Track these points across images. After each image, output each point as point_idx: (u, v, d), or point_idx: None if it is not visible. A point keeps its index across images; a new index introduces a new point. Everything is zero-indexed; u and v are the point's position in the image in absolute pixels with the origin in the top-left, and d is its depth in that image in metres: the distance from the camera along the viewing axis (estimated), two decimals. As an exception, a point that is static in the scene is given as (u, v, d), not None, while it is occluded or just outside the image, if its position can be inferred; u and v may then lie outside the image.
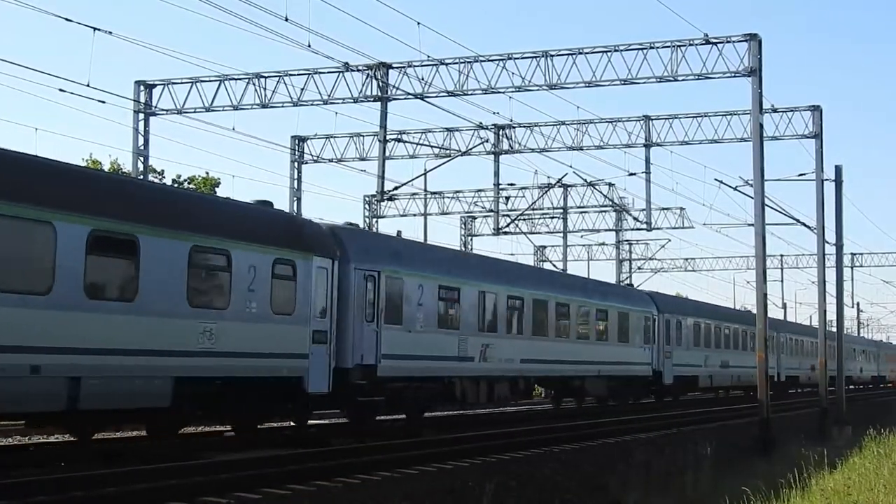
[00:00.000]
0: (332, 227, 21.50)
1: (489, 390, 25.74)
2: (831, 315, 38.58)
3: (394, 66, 30.16)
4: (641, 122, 37.37)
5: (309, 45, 24.00)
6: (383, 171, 34.19)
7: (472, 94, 29.87)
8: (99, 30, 23.59)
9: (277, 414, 20.75)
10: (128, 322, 15.08)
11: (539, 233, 50.89)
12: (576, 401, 34.70)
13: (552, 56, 29.06)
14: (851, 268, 67.38)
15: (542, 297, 28.46)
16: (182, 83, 31.44)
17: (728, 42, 26.85)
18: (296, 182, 37.38)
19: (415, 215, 44.88)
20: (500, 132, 38.38)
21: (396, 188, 35.62)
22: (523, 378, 27.83)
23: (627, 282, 57.57)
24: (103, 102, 24.82)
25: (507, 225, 45.37)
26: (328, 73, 30.49)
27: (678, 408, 35.31)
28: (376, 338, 20.94)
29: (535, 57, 29.19)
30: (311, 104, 31.34)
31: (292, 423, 21.84)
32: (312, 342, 18.95)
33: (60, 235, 13.96)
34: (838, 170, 33.22)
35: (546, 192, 44.61)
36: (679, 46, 27.52)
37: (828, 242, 33.92)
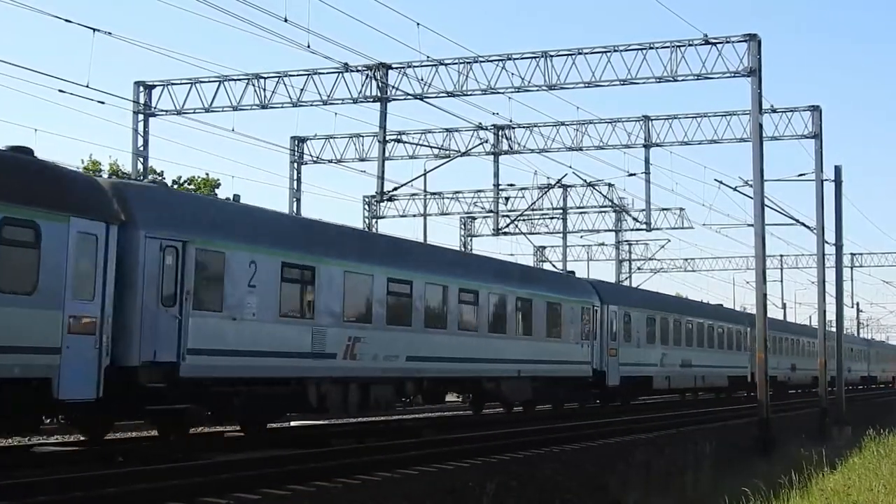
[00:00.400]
0: (116, 183, 17.53)
1: (362, 395, 21.10)
2: (831, 315, 38.52)
3: (393, 66, 30.19)
4: (641, 122, 37.41)
5: (308, 46, 24.04)
6: (383, 172, 34.21)
7: (471, 95, 29.93)
8: (98, 30, 23.60)
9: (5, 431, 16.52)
10: None
11: (539, 233, 50.97)
12: (504, 406, 30.25)
13: (552, 56, 29.08)
14: (851, 268, 67.45)
15: (438, 282, 23.70)
16: (181, 84, 31.46)
17: (727, 42, 26.88)
18: (295, 183, 37.39)
19: (414, 216, 44.94)
20: (500, 132, 38.40)
21: (396, 189, 35.63)
22: (412, 380, 23.09)
23: (627, 282, 57.65)
24: (103, 103, 24.74)
25: (507, 225, 45.40)
26: (328, 73, 30.54)
27: (630, 412, 31.25)
28: (179, 327, 16.41)
29: (535, 57, 29.22)
30: (311, 105, 31.40)
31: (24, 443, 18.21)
32: (68, 332, 14.40)
33: None
34: (838, 170, 33.25)
35: (546, 192, 44.63)
36: (678, 47, 27.55)
37: (827, 242, 33.96)
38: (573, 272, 36.47)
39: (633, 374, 33.96)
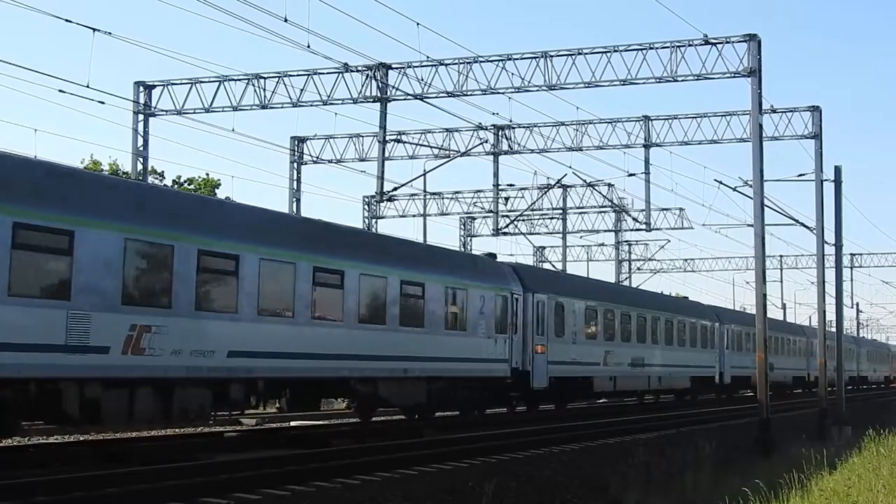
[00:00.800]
0: None
1: (161, 400, 16.41)
2: (831, 315, 38.50)
3: (393, 66, 30.18)
4: (641, 122, 37.40)
5: (308, 46, 23.99)
6: (382, 172, 34.20)
7: (471, 95, 29.89)
8: (98, 30, 23.56)
9: None
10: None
11: (538, 233, 50.95)
12: (404, 413, 25.78)
13: (551, 56, 29.07)
14: (851, 268, 67.45)
15: (280, 259, 18.83)
16: (181, 84, 31.46)
17: (727, 42, 26.86)
18: (295, 183, 37.38)
19: (414, 216, 44.92)
20: (500, 133, 38.40)
21: (396, 189, 35.63)
22: (238, 381, 18.01)
23: (626, 282, 57.61)
24: (103, 103, 24.68)
25: (507, 225, 45.38)
26: (327, 73, 30.52)
27: (560, 420, 27.54)
28: None
29: (535, 57, 29.21)
30: (311, 105, 31.37)
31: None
32: None
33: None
34: (838, 170, 33.23)
35: (545, 192, 44.62)
36: (678, 47, 27.54)
37: (827, 243, 33.93)
38: (494, 255, 30.58)
39: (566, 374, 29.33)
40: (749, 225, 33.57)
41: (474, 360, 25.26)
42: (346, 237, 22.84)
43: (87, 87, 23.43)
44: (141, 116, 31.39)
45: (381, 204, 43.37)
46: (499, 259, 29.97)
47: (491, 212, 45.00)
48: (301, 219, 25.98)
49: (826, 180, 32.86)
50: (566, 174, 40.14)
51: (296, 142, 37.99)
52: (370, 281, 21.35)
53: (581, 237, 53.12)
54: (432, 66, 29.66)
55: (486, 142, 38.49)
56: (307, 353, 19.43)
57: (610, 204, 46.99)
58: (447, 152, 38.58)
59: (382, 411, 25.83)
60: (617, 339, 33.45)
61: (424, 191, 39.89)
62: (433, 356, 23.43)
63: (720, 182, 37.55)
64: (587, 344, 31.15)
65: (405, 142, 38.31)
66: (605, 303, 33.12)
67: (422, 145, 38.73)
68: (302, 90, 30.90)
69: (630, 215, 48.49)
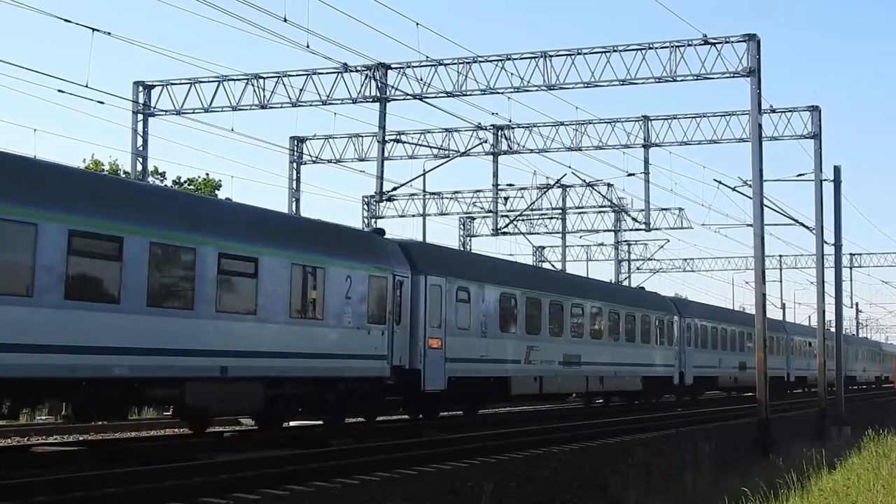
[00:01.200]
0: None
1: None
2: (830, 315, 38.48)
3: (392, 66, 30.19)
4: (640, 122, 37.41)
5: (308, 46, 24.00)
6: (382, 172, 34.19)
7: (470, 95, 29.90)
8: (97, 30, 23.56)
9: None
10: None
11: (538, 233, 50.96)
12: (256, 421, 21.04)
13: (551, 56, 29.08)
14: (850, 268, 67.44)
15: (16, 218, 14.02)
16: (181, 84, 31.46)
17: (727, 42, 26.87)
18: (294, 183, 37.39)
19: (413, 216, 44.94)
20: (499, 133, 38.40)
21: (395, 189, 35.61)
22: None
23: (626, 282, 57.54)
24: (102, 103, 24.68)
25: (506, 225, 45.38)
26: (327, 73, 30.53)
27: (461, 429, 22.48)
28: None
29: (534, 57, 29.21)
30: (310, 105, 31.39)
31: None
32: None
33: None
34: (837, 170, 33.26)
35: (545, 192, 44.62)
36: (678, 47, 27.55)
37: (827, 243, 33.96)
38: (382, 230, 25.50)
39: (472, 373, 24.85)
40: (748, 225, 33.57)
41: (337, 355, 20.32)
42: (135, 193, 17.97)
43: (87, 87, 23.43)
44: (140, 116, 31.39)
45: (381, 204, 43.37)
46: (383, 233, 24.76)
47: (490, 212, 45.00)
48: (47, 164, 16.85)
49: (825, 180, 32.90)
50: (565, 174, 40.10)
51: (295, 142, 37.99)
52: (169, 252, 16.66)
53: (580, 237, 53.19)
54: (432, 66, 29.68)
55: (486, 142, 38.51)
56: (51, 346, 14.38)
57: (609, 204, 47.00)
58: (446, 152, 38.58)
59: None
60: (544, 332, 28.33)
61: (424, 191, 39.95)
62: (272, 351, 18.64)
63: (719, 182, 37.53)
64: (503, 338, 26.14)
65: (404, 142, 38.33)
66: (528, 289, 27.80)
67: (421, 145, 38.76)
68: (301, 90, 30.94)
69: (629, 215, 48.52)
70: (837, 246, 34.79)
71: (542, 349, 27.87)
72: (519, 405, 33.00)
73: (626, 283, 57.09)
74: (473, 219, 50.39)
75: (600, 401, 37.08)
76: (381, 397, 22.44)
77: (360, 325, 20.90)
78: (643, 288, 45.06)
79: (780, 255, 68.35)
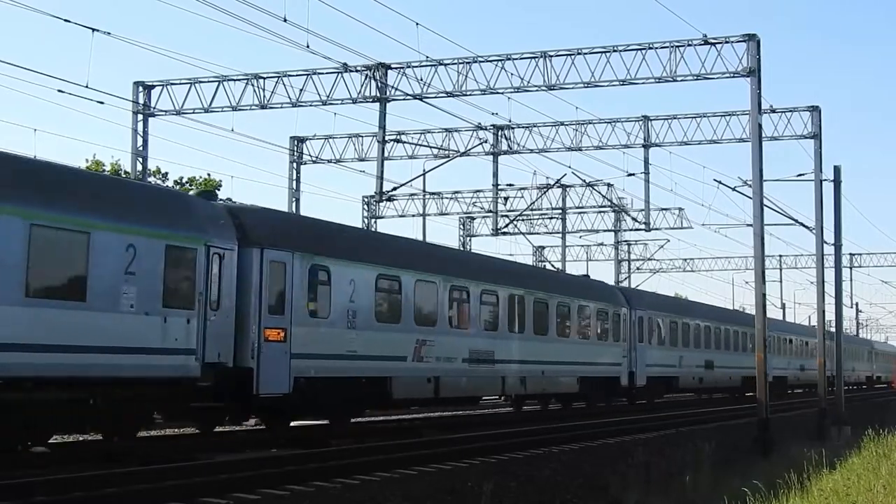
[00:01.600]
0: None
1: None
2: (830, 315, 38.45)
3: (392, 66, 30.19)
4: (640, 122, 37.41)
5: (308, 46, 24.00)
6: (382, 172, 34.20)
7: (470, 95, 29.91)
8: (97, 30, 23.57)
9: None
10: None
11: (538, 233, 50.96)
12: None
13: (551, 56, 29.08)
14: (850, 268, 67.47)
15: None
16: (181, 84, 31.46)
17: (727, 42, 26.88)
18: (294, 183, 37.40)
19: (413, 216, 44.95)
20: (499, 133, 38.40)
21: (395, 189, 35.63)
22: None
23: (626, 282, 57.53)
24: (102, 103, 24.67)
25: (506, 225, 45.39)
26: (327, 73, 30.53)
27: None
28: None
29: (534, 57, 29.22)
30: (310, 105, 31.39)
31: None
32: None
33: None
34: (837, 170, 33.26)
35: (545, 192, 44.62)
36: (678, 47, 27.55)
37: (826, 243, 33.97)
38: (213, 193, 22.24)
39: (333, 373, 20.03)
40: (748, 225, 33.58)
41: (115, 349, 15.30)
42: None
43: (87, 87, 23.43)
44: (140, 116, 31.39)
45: (381, 204, 43.37)
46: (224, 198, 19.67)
47: (490, 212, 45.00)
48: None
49: (825, 180, 32.91)
50: (565, 174, 40.03)
51: (295, 142, 38.00)
52: None
53: (580, 237, 53.20)
54: (431, 66, 29.68)
55: (486, 142, 38.52)
56: None
57: (609, 204, 47.00)
58: (446, 152, 38.59)
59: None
60: (442, 323, 23.68)
61: (424, 191, 39.97)
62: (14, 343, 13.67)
63: (719, 182, 37.49)
64: (380, 330, 21.43)
65: (404, 142, 38.34)
66: (418, 272, 22.98)
67: (421, 145, 38.77)
68: (301, 90, 30.95)
69: (629, 215, 48.52)
70: (837, 246, 34.79)
71: (438, 344, 23.18)
72: (408, 412, 28.03)
73: (626, 283, 57.05)
74: (473, 219, 50.40)
75: (534, 403, 33.11)
76: (184, 403, 17.40)
77: (149, 309, 15.81)
78: (588, 276, 40.00)
79: (780, 255, 68.43)
